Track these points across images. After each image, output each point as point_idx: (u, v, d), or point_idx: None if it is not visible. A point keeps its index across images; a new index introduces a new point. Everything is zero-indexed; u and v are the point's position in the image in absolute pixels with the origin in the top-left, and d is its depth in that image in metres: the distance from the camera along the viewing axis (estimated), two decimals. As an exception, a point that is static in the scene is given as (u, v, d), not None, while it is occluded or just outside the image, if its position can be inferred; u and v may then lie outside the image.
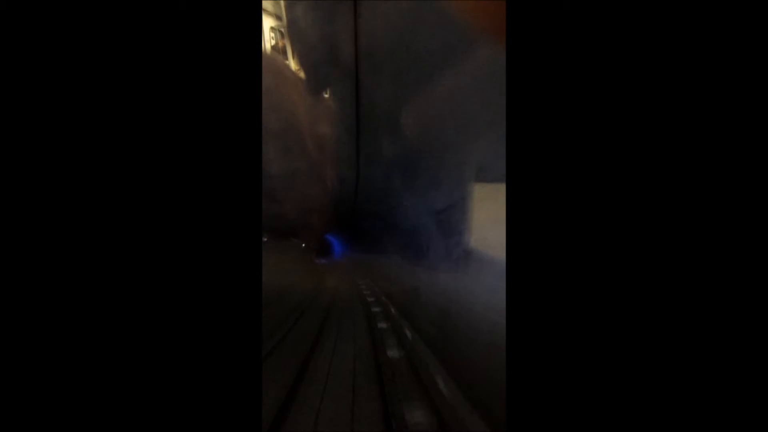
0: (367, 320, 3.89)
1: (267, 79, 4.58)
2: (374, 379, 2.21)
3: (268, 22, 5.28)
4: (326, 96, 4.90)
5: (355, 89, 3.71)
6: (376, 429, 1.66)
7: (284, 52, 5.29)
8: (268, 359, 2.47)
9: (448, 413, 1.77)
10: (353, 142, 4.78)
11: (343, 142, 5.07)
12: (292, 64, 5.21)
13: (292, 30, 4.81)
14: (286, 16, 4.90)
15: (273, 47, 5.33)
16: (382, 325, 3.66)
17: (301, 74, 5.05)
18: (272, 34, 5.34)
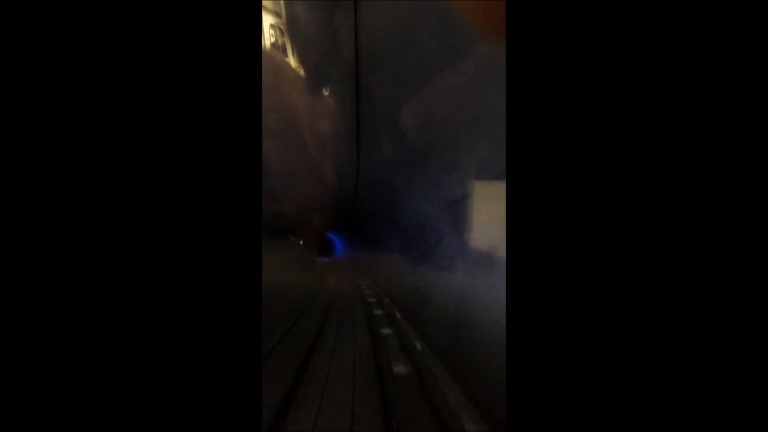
0: (368, 320, 3.88)
1: (267, 77, 4.56)
2: (374, 380, 2.21)
3: (267, 20, 5.25)
4: (326, 94, 4.88)
5: (355, 87, 3.70)
6: (376, 429, 1.66)
7: (284, 50, 5.26)
8: (267, 359, 2.48)
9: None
10: (353, 140, 4.77)
11: (343, 141, 5.05)
12: (292, 61, 5.18)
13: (291, 27, 4.79)
14: (286, 13, 4.88)
15: (272, 45, 5.30)
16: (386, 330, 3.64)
17: (301, 72, 5.02)
18: (272, 32, 5.30)
